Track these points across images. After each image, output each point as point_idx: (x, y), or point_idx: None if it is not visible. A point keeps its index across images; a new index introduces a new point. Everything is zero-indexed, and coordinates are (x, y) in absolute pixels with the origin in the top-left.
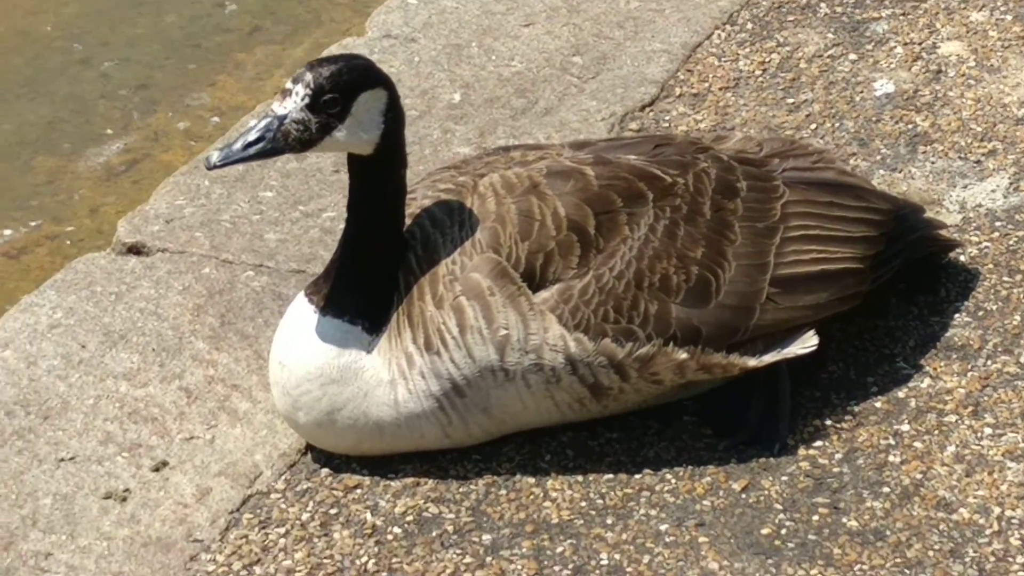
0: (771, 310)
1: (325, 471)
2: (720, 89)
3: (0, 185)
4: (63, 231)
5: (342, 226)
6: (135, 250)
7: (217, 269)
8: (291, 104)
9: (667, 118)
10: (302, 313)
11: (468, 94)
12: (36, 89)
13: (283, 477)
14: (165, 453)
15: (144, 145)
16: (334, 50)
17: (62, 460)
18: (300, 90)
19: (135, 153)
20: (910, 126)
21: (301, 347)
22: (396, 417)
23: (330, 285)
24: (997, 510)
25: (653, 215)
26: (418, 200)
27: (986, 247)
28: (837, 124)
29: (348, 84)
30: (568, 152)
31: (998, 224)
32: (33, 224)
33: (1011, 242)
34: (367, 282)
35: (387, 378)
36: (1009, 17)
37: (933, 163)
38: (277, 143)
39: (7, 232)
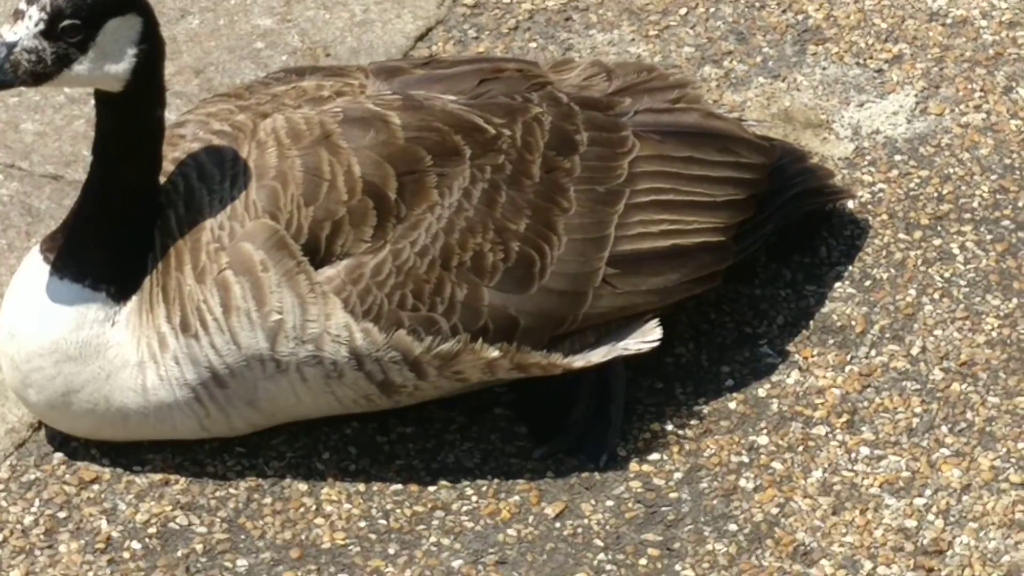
0: (607, 295)
1: (59, 457)
2: None
3: None
4: None
5: None
6: None
7: None
8: (23, 30)
9: None
10: (36, 273)
11: None
12: None
13: (8, 462)
14: None
15: None
16: None
17: None
18: (34, 13)
19: None
20: (800, 16)
21: (33, 315)
22: (143, 406)
23: (68, 241)
24: (868, 565)
25: (470, 176)
26: (186, 141)
27: (880, 191)
28: (712, 9)
29: (93, 8)
30: (372, 85)
31: (898, 159)
32: None
33: (912, 185)
34: (113, 239)
35: (135, 360)
36: None
37: (824, 69)
38: (5, 75)
39: None
